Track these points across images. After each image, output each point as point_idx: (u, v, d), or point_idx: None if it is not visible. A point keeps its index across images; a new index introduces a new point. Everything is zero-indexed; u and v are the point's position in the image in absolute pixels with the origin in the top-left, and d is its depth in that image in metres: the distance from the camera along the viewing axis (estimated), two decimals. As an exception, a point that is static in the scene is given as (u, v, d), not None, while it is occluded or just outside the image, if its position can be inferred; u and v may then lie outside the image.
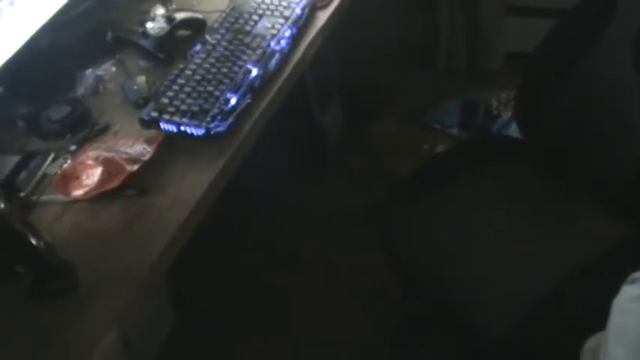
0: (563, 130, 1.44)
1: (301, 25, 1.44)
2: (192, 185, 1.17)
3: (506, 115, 2.10)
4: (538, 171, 1.49)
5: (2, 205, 1.01)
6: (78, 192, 1.17)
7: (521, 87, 1.53)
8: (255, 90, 1.31)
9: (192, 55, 1.37)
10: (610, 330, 1.00)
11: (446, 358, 1.62)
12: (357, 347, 1.71)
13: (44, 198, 1.19)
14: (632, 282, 1.03)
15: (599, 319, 1.01)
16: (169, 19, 1.46)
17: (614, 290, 1.03)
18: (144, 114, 1.26)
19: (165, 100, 1.27)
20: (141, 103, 1.32)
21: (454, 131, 2.19)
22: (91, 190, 1.16)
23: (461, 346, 1.45)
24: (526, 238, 1.38)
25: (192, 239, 1.15)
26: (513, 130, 1.78)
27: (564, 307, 1.26)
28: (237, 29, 1.42)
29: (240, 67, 1.33)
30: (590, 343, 1.09)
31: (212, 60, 1.35)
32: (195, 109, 1.25)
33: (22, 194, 1.19)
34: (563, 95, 1.43)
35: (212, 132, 1.22)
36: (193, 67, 1.34)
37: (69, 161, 1.23)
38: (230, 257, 1.91)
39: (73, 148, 1.27)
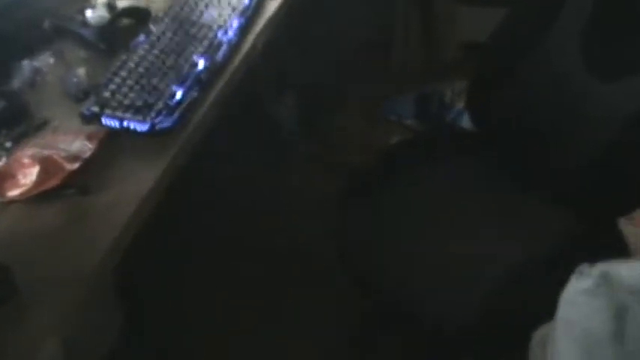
0: (513, 120, 1.44)
1: (249, 15, 1.40)
2: (136, 182, 1.13)
3: (460, 105, 2.11)
4: (489, 163, 1.49)
5: None
6: (14, 192, 1.12)
7: (472, 77, 1.52)
8: (202, 83, 1.26)
9: (135, 46, 1.32)
10: (558, 322, 1.01)
11: (400, 355, 1.63)
12: (316, 345, 1.69)
13: (-22, 199, 1.13)
14: (580, 274, 1.03)
15: (548, 312, 1.02)
16: (111, 7, 1.42)
17: (564, 282, 1.03)
18: (84, 108, 1.21)
19: (107, 94, 1.22)
20: (81, 96, 1.27)
21: (410, 122, 2.19)
22: (28, 190, 1.11)
23: (413, 342, 1.46)
24: (477, 231, 1.38)
25: (143, 236, 1.11)
26: (466, 120, 1.78)
27: (515, 300, 1.27)
28: (183, 19, 1.37)
29: (186, 59, 1.29)
30: (538, 334, 1.10)
31: (156, 51, 1.30)
32: (139, 103, 1.20)
33: (-47, 195, 1.13)
34: (514, 86, 1.43)
35: (157, 127, 1.18)
36: (137, 58, 1.29)
37: (4, 159, 1.18)
38: (183, 254, 1.87)
39: (8, 144, 1.21)
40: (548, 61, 1.39)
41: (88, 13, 1.40)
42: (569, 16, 1.36)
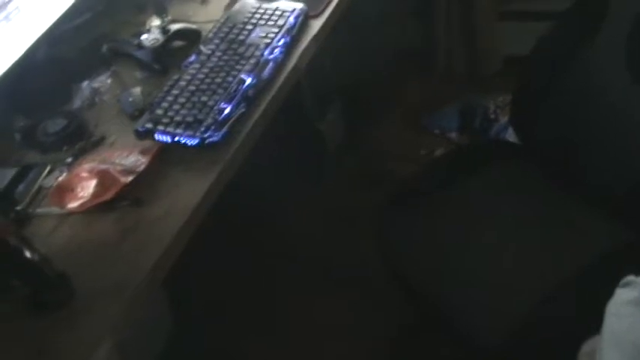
0: (559, 133, 1.44)
1: (295, 33, 1.44)
2: (186, 195, 1.17)
3: (504, 119, 2.10)
4: (535, 175, 1.49)
5: (-2, 219, 1.03)
6: (73, 204, 1.18)
7: (516, 91, 1.53)
8: (249, 99, 1.31)
9: (186, 66, 1.38)
10: (604, 334, 1.00)
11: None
12: (353, 352, 1.71)
13: (40, 210, 1.20)
14: (626, 285, 1.02)
15: (595, 323, 1.01)
16: (164, 30, 1.47)
17: (610, 294, 1.03)
18: (138, 125, 1.27)
19: (159, 111, 1.28)
20: (136, 114, 1.33)
21: (453, 135, 2.20)
22: (85, 203, 1.17)
23: (458, 353, 1.45)
24: (523, 243, 1.38)
25: (191, 247, 1.16)
26: (511, 134, 1.78)
27: (561, 311, 1.26)
28: (231, 39, 1.43)
29: (234, 76, 1.34)
30: (586, 347, 1.08)
31: (206, 70, 1.36)
32: (190, 119, 1.26)
33: (19, 207, 1.20)
34: (558, 99, 1.43)
35: (206, 142, 1.23)
36: (188, 77, 1.34)
37: (65, 173, 1.24)
38: (230, 263, 1.92)
39: (69, 160, 1.28)
40: (592, 72, 1.39)
41: (143, 36, 1.46)
42: (612, 28, 1.36)
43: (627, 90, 1.33)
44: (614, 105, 1.36)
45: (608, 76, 1.37)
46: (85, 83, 1.43)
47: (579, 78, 1.42)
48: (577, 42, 1.40)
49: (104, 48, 1.49)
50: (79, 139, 1.31)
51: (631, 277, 1.03)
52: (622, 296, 1.02)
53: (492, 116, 2.17)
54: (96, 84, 1.43)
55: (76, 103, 1.40)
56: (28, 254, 1.02)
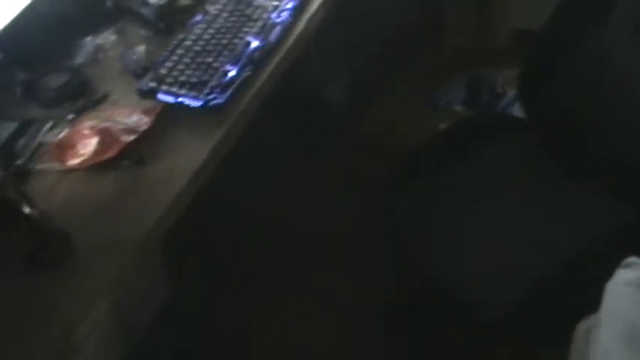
0: (566, 109, 1.42)
1: (304, -3, 1.42)
2: (189, 157, 1.16)
3: (511, 93, 2.08)
4: (539, 151, 1.48)
5: (-1, 174, 1.02)
6: (74, 161, 1.17)
7: (524, 65, 1.51)
8: (255, 62, 1.29)
9: (192, 26, 1.36)
10: (602, 313, 1.00)
11: (443, 337, 1.63)
12: (354, 319, 1.72)
13: (41, 166, 1.19)
14: (626, 266, 1.03)
15: (594, 301, 1.01)
16: (170, -13, 1.45)
17: (610, 273, 1.03)
18: (142, 84, 1.26)
19: (163, 71, 1.27)
20: (140, 72, 1.31)
21: (459, 108, 2.18)
22: (86, 160, 1.16)
23: (458, 325, 1.46)
24: (525, 218, 1.37)
25: (192, 210, 1.15)
26: (517, 109, 1.77)
27: (561, 288, 1.26)
28: (239, 0, 1.40)
29: (241, 38, 1.32)
30: (584, 325, 1.09)
31: (212, 31, 1.34)
32: (194, 80, 1.24)
33: (19, 162, 1.19)
34: (567, 74, 1.41)
35: (210, 104, 1.22)
36: (193, 37, 1.33)
37: (66, 130, 1.23)
38: (230, 228, 1.91)
39: (70, 116, 1.26)
40: (602, 49, 1.37)
41: (149, -7, 1.45)
42: (625, 5, 1.34)
43: (637, 68, 1.31)
44: (622, 82, 1.34)
45: (617, 53, 1.35)
46: (89, 39, 1.41)
47: (588, 55, 1.40)
48: (588, 18, 1.38)
49: (108, 3, 1.47)
50: (81, 96, 1.30)
51: (632, 259, 1.03)
52: (622, 276, 1.02)
53: (500, 90, 2.15)
54: (99, 40, 1.41)
55: (79, 59, 1.38)
56: (27, 210, 1.02)
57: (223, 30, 1.34)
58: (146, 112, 1.22)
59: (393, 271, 1.56)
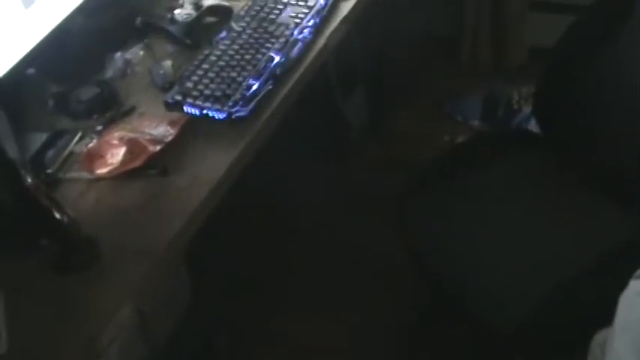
0: (581, 126, 1.44)
1: (324, 14, 1.46)
2: (212, 167, 1.20)
3: (527, 109, 2.10)
4: (554, 166, 1.50)
5: (30, 181, 1.06)
6: (102, 170, 1.21)
7: (540, 82, 1.53)
8: (277, 77, 1.33)
9: (217, 42, 1.40)
10: (616, 324, 1.01)
11: (457, 350, 1.65)
12: (371, 332, 1.74)
13: (70, 175, 1.23)
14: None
15: (609, 313, 1.03)
16: (197, 5, 1.50)
17: (624, 284, 1.04)
18: (168, 97, 1.30)
19: (189, 84, 1.31)
20: (166, 86, 1.35)
21: (475, 123, 2.21)
22: (114, 169, 1.20)
23: (472, 337, 1.47)
24: (540, 232, 1.39)
25: (213, 220, 1.18)
26: (533, 125, 1.79)
27: (576, 300, 1.27)
28: (262, 17, 1.45)
29: (263, 54, 1.36)
30: (599, 337, 1.10)
31: (236, 47, 1.38)
32: (218, 93, 1.29)
33: (49, 171, 1.24)
34: (582, 91, 1.44)
35: (233, 116, 1.26)
36: (218, 52, 1.37)
37: (95, 140, 1.28)
38: (250, 239, 1.95)
39: (99, 128, 1.31)
40: (617, 66, 1.40)
41: (176, 11, 1.49)
42: (637, 24, 1.36)
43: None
44: (636, 100, 1.36)
45: (632, 72, 1.37)
46: (118, 54, 1.46)
47: (603, 72, 1.42)
48: (602, 37, 1.41)
49: (138, 21, 1.52)
50: (110, 108, 1.34)
51: (645, 270, 1.04)
52: (636, 287, 1.03)
53: (516, 106, 2.17)
54: (128, 55, 1.46)
55: (109, 72, 1.43)
56: (57, 215, 1.06)
57: (247, 46, 1.38)
58: (172, 123, 1.26)
59: (407, 283, 1.58)
